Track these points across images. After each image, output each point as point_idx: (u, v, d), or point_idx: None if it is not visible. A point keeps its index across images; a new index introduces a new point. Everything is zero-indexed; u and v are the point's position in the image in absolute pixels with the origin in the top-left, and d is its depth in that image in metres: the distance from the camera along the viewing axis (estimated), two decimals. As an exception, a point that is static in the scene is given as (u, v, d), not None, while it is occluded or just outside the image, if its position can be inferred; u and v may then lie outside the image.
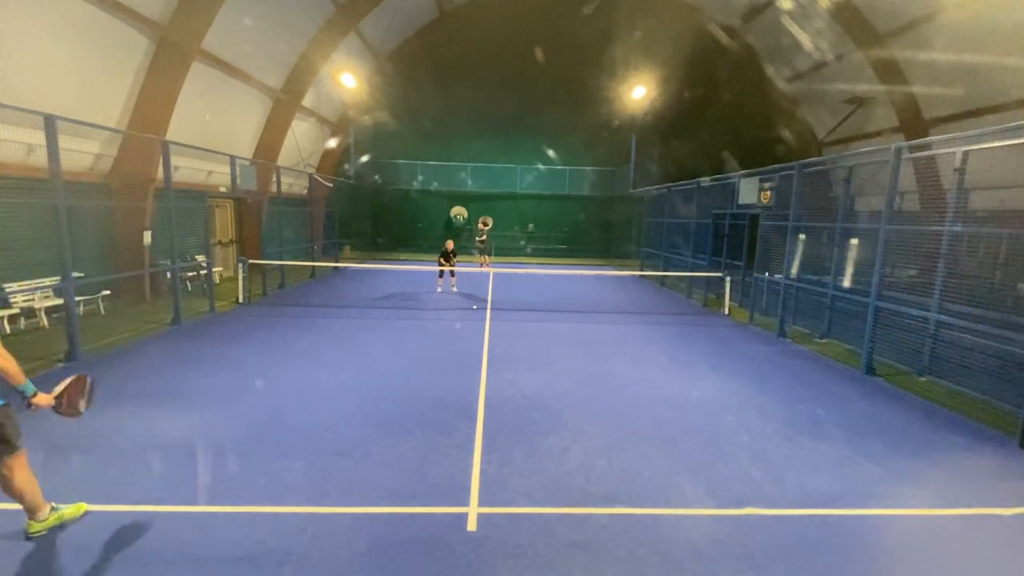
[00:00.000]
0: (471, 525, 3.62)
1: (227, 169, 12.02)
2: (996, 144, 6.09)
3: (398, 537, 3.47)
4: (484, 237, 18.99)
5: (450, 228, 24.35)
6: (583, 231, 24.96)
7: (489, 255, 18.77)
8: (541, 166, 24.48)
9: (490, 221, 24.63)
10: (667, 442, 5.05)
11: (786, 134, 20.34)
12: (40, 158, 7.75)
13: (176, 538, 3.39)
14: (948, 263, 6.58)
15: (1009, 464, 4.83)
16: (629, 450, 4.85)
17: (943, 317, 6.55)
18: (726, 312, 11.83)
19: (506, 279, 16.57)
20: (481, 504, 3.88)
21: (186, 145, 10.16)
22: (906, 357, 7.39)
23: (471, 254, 23.49)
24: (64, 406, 3.32)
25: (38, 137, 6.71)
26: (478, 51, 22.08)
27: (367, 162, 23.18)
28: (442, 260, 13.49)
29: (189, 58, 11.17)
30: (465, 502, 3.90)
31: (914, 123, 15.17)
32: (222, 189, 13.45)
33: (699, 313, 12.07)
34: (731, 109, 22.06)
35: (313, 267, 16.03)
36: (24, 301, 8.64)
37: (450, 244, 13.60)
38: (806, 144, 20.33)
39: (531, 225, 24.88)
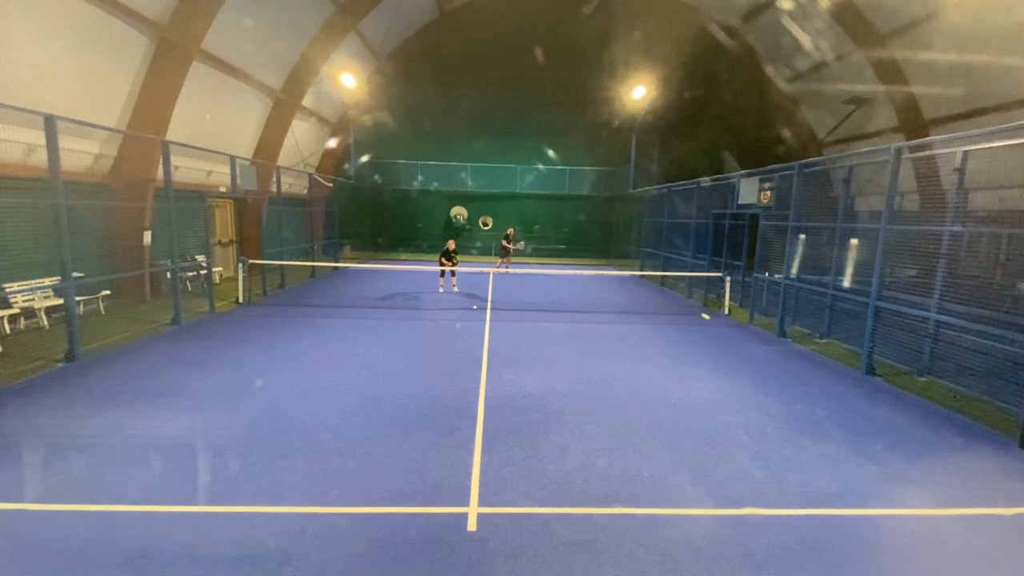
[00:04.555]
0: (471, 525, 3.62)
1: (227, 169, 12.02)
2: (996, 144, 6.09)
3: (398, 537, 3.47)
4: (518, 245, 18.16)
5: (450, 228, 24.39)
6: (583, 231, 24.96)
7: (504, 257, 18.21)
8: (541, 166, 24.48)
9: (490, 221, 24.70)
10: (667, 442, 5.05)
11: (786, 134, 20.33)
12: (40, 158, 7.75)
13: (176, 538, 3.39)
14: (948, 263, 6.58)
15: (1009, 464, 4.83)
16: (629, 450, 4.85)
17: (943, 317, 6.55)
18: (726, 312, 11.83)
19: (506, 279, 16.58)
20: (481, 504, 3.88)
21: (186, 145, 10.16)
22: (906, 357, 7.39)
23: (471, 254, 23.52)
24: None
25: (38, 137, 6.71)
26: (478, 51, 22.07)
27: (367, 162, 23.19)
28: (443, 260, 13.48)
29: (189, 58, 11.17)
30: (465, 502, 3.90)
31: (914, 123, 15.16)
32: (222, 189, 13.44)
33: (699, 313, 12.06)
34: (731, 109, 22.05)
35: (313, 267, 16.03)
36: (24, 301, 8.63)
37: (451, 244, 13.61)
38: (806, 144, 20.32)
39: (537, 225, 24.82)
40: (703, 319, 11.23)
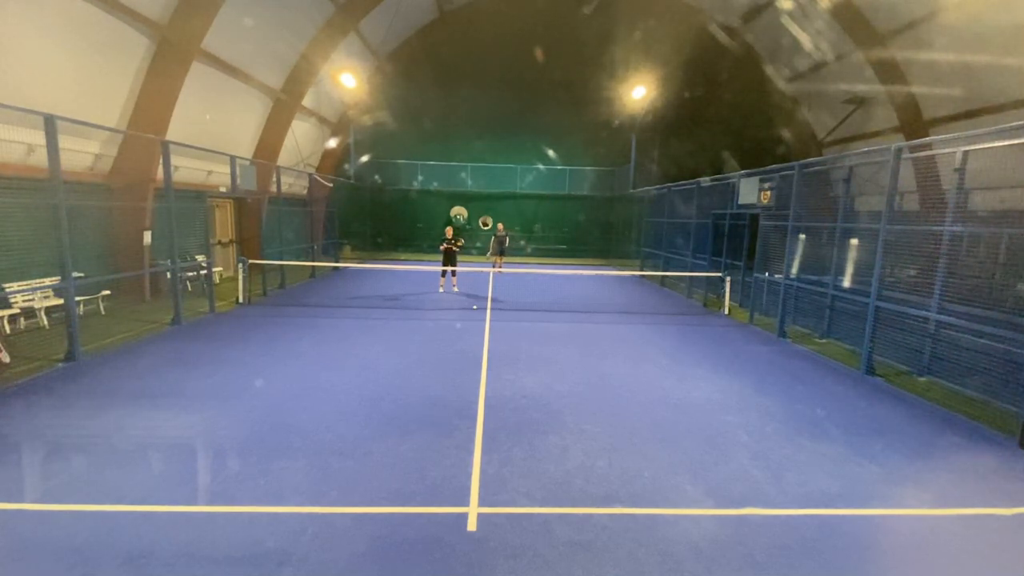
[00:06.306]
0: (471, 525, 3.62)
1: (227, 169, 12.02)
2: (996, 144, 6.09)
3: (398, 537, 3.47)
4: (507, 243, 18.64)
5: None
6: (583, 231, 24.96)
7: (502, 255, 18.53)
8: (541, 166, 24.48)
9: (490, 221, 24.72)
10: (667, 442, 5.05)
11: (786, 134, 20.34)
12: (40, 158, 7.75)
13: (176, 538, 3.39)
14: (948, 263, 6.58)
15: (1009, 464, 4.83)
16: (629, 450, 4.85)
17: (943, 317, 6.55)
18: (726, 312, 11.83)
19: (506, 279, 16.58)
20: (481, 504, 3.88)
21: (186, 145, 10.15)
22: (906, 357, 7.39)
23: (471, 254, 23.51)
24: None
25: (38, 137, 6.71)
26: (478, 51, 22.08)
27: (367, 162, 23.19)
28: (444, 247, 13.47)
29: (189, 58, 11.17)
30: (465, 502, 3.90)
31: (914, 123, 15.17)
32: (222, 189, 13.44)
33: (699, 313, 12.07)
34: (731, 109, 22.06)
35: (313, 267, 16.03)
36: (24, 301, 8.63)
37: (449, 231, 13.63)
38: (806, 144, 20.33)
39: (537, 225, 24.90)
40: (704, 318, 11.23)
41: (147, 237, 10.96)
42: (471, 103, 22.80)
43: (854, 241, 8.46)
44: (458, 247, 13.58)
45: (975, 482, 4.49)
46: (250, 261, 12.00)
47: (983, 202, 8.00)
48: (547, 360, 7.69)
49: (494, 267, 18.24)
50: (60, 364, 6.80)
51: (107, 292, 10.07)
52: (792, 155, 18.38)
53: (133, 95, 10.70)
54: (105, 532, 3.42)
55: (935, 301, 6.66)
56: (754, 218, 11.35)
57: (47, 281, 8.49)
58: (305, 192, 18.43)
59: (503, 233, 18.50)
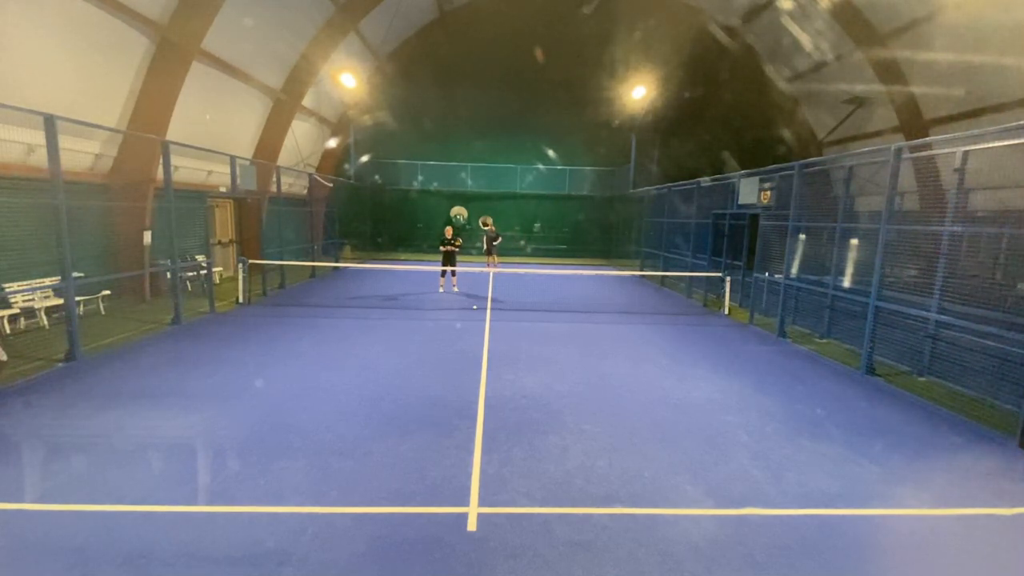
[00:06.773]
0: (471, 525, 3.62)
1: (227, 169, 12.02)
2: (996, 144, 6.09)
3: (398, 537, 3.47)
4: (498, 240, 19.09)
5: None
6: (583, 231, 24.97)
7: (495, 255, 18.84)
8: (541, 166, 24.49)
9: (490, 220, 24.73)
10: (667, 442, 5.05)
11: (786, 134, 20.33)
12: (40, 158, 7.75)
13: (176, 538, 3.39)
14: (948, 263, 6.58)
15: (1009, 464, 4.83)
16: (629, 450, 4.85)
17: (943, 317, 6.55)
18: (726, 312, 11.83)
19: (506, 279, 16.58)
20: (481, 504, 3.88)
21: (186, 145, 10.15)
22: (906, 357, 7.39)
23: (471, 254, 23.52)
24: None
25: (38, 137, 6.71)
26: (478, 51, 22.07)
27: (367, 162, 23.19)
28: (443, 248, 13.47)
29: (189, 58, 11.16)
30: (465, 502, 3.90)
31: (914, 123, 15.15)
32: (222, 189, 13.44)
33: (699, 313, 12.07)
34: (731, 109, 22.05)
35: (313, 267, 16.04)
36: (24, 301, 8.63)
37: (449, 231, 13.63)
38: (806, 144, 20.31)
39: (537, 225, 24.96)
40: (704, 318, 11.23)
41: (147, 237, 10.96)
42: (471, 103, 22.80)
43: (854, 241, 8.46)
44: (456, 247, 13.60)
45: (975, 482, 4.49)
46: (250, 261, 11.99)
47: (983, 202, 8.00)
48: (547, 360, 7.69)
49: (487, 266, 18.42)
50: (60, 364, 6.80)
51: (107, 292, 10.07)
52: (792, 155, 18.38)
53: (133, 95, 10.70)
54: (105, 532, 3.42)
55: (935, 301, 6.66)
56: (754, 218, 11.35)
57: (47, 281, 8.50)
58: (305, 192, 18.43)
59: (493, 232, 18.88)
